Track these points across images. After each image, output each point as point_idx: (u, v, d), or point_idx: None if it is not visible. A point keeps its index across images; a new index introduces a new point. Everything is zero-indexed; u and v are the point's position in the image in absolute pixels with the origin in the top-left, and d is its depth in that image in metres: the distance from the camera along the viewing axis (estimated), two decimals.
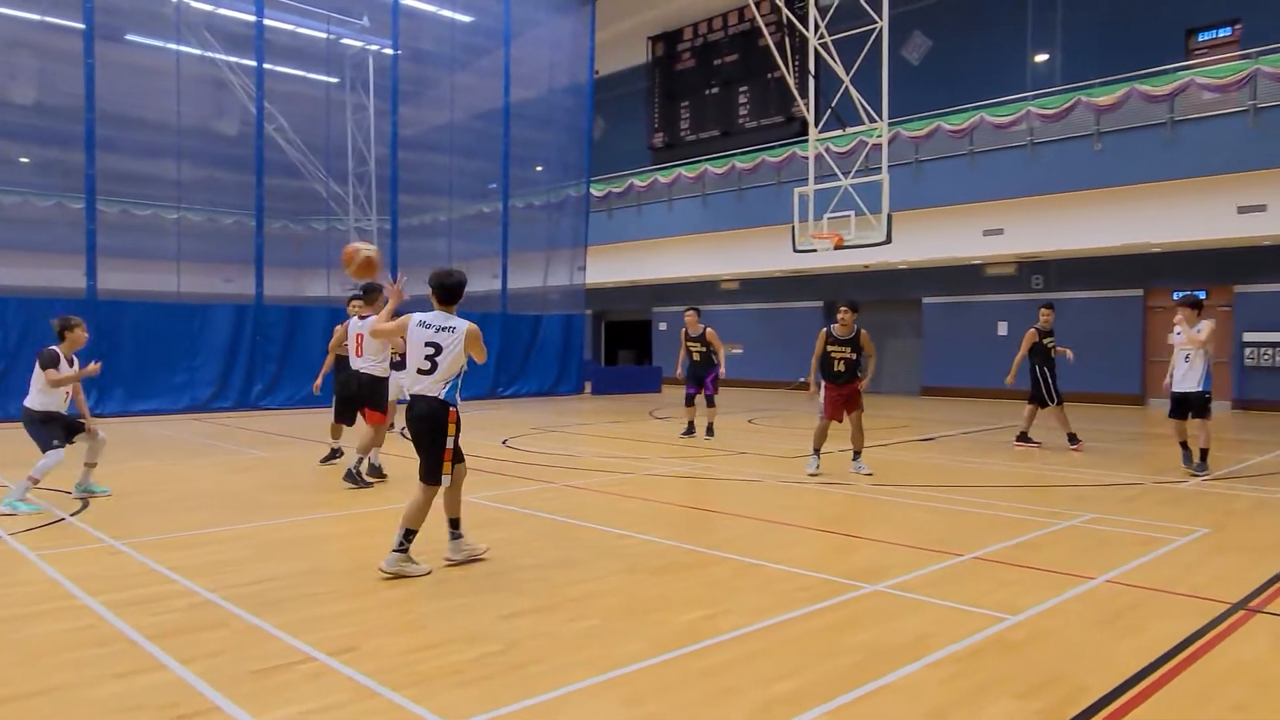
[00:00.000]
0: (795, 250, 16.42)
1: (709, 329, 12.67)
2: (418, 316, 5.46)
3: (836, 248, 15.55)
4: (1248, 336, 17.95)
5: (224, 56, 19.40)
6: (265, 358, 17.60)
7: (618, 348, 32.87)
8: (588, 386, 23.66)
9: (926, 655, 3.96)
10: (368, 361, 8.44)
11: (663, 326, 29.10)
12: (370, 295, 8.55)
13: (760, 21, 18.17)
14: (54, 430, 7.35)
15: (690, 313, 12.86)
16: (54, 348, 7.38)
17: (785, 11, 16.78)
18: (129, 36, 18.59)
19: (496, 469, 9.84)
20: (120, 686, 3.61)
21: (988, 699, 3.50)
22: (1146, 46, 18.55)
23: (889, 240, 14.93)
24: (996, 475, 9.49)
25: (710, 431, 12.86)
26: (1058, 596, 4.88)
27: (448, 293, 5.51)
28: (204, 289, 18.45)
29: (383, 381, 8.55)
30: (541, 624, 4.43)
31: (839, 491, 8.47)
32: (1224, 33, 18.49)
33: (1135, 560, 5.69)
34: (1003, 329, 21.41)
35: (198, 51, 19.07)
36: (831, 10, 16.27)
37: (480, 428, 14.61)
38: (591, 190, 24.67)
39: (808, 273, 23.87)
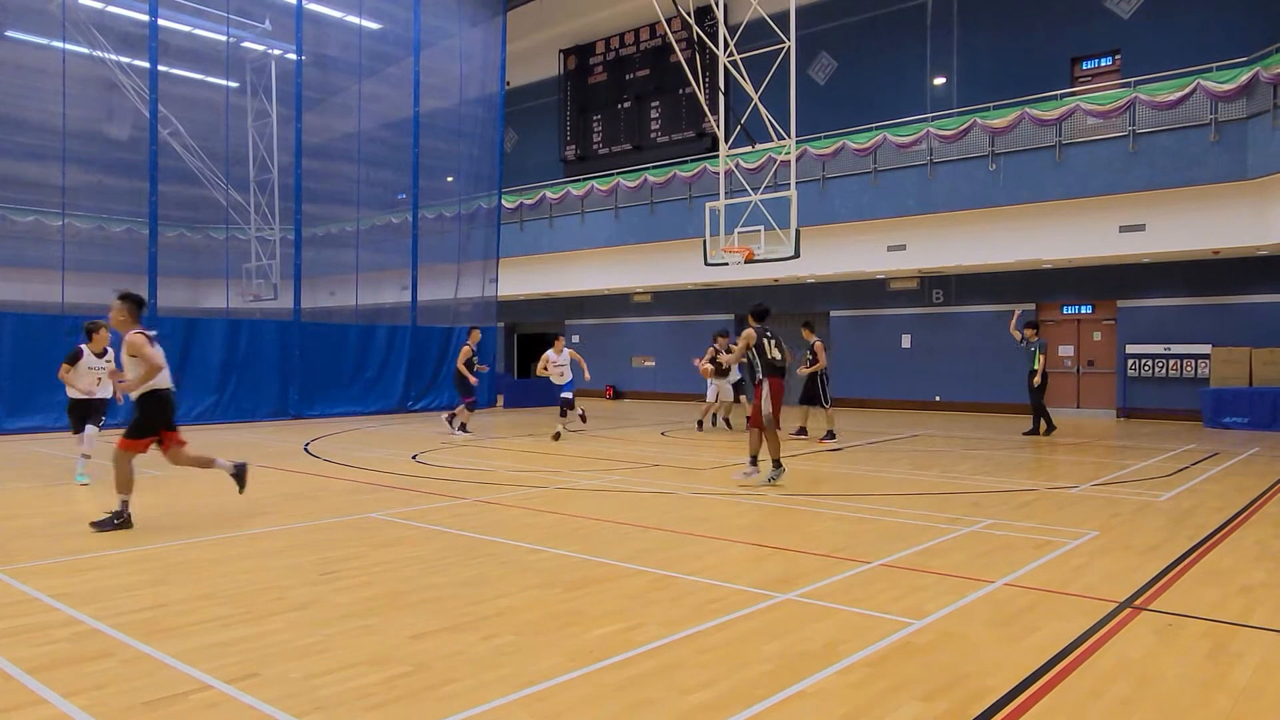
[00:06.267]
0: (707, 264, 16.64)
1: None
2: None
3: (747, 261, 15.85)
4: (1130, 349, 19.00)
5: (114, 56, 18.50)
6: None
7: (531, 360, 32.64)
8: (500, 400, 23.42)
9: (837, 661, 4.04)
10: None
11: (576, 339, 29.03)
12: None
13: (671, 38, 18.41)
14: None
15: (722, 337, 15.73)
16: None
17: (696, 29, 17.04)
18: (9, 33, 17.60)
19: (407, 485, 9.62)
20: None
21: (896, 702, 3.58)
22: (1035, 73, 19.53)
23: (797, 255, 15.29)
24: (899, 484, 9.78)
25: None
26: (959, 600, 5.04)
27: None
28: (91, 299, 17.48)
29: None
30: (453, 643, 4.33)
31: (748, 502, 8.58)
32: (1105, 62, 19.62)
33: (1031, 563, 5.93)
34: (906, 341, 22.12)
35: (85, 50, 18.16)
36: (741, 29, 16.60)
37: (390, 442, 14.26)
38: (503, 202, 24.49)
39: (719, 286, 24.21)
